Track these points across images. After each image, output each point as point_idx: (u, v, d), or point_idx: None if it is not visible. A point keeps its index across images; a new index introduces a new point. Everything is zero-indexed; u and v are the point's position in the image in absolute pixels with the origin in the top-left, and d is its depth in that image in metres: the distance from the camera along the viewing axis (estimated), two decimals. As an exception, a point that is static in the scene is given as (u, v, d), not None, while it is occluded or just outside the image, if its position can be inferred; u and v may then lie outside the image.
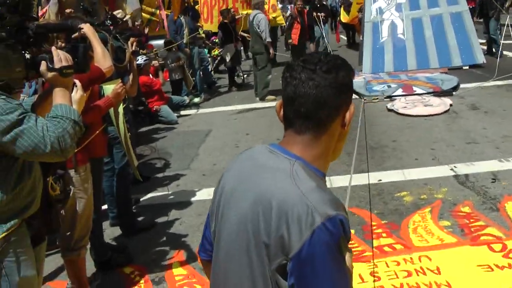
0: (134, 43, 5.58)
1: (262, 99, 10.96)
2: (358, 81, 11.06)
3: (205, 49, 13.18)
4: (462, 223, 4.56)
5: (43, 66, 2.26)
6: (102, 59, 3.39)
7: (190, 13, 11.57)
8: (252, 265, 1.44)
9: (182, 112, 10.38)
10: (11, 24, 2.23)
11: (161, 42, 11.81)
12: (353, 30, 18.48)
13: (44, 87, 3.02)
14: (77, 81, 2.69)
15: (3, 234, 2.27)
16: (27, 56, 2.28)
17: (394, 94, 9.77)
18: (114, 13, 6.74)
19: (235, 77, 12.94)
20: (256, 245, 1.42)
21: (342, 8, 18.81)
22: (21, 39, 2.26)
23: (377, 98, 9.66)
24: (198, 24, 12.79)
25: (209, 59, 13.52)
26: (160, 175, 6.73)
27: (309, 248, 1.32)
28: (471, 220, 4.58)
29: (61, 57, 2.29)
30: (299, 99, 1.46)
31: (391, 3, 12.86)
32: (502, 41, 12.79)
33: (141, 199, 5.87)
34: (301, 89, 1.46)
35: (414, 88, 10.00)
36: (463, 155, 6.36)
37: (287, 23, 12.96)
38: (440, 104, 8.71)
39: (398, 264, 3.99)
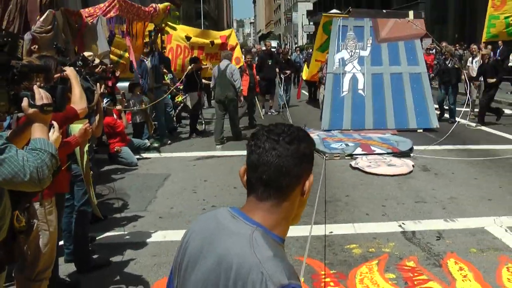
0: (103, 86, 5.76)
1: (238, 138, 11.98)
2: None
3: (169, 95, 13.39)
4: (406, 276, 4.81)
5: (25, 102, 2.42)
6: (79, 101, 3.57)
7: (157, 58, 11.80)
8: None
9: (142, 155, 10.48)
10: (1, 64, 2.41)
11: (125, 84, 11.96)
12: (315, 86, 19.00)
13: (19, 122, 3.16)
14: (54, 123, 2.85)
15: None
16: (11, 92, 2.45)
17: (355, 152, 10.01)
18: (85, 54, 6.91)
19: (197, 125, 13.17)
20: None
21: (305, 65, 19.40)
22: (6, 77, 2.43)
23: (339, 155, 9.91)
24: (164, 70, 13.01)
25: (172, 105, 13.71)
26: (117, 215, 6.80)
27: None
28: (415, 274, 4.83)
29: (42, 95, 2.46)
30: (262, 167, 1.55)
31: (354, 55, 13.34)
32: (457, 108, 13.47)
33: (97, 237, 5.93)
34: (264, 157, 1.55)
35: (373, 148, 10.27)
36: (411, 213, 6.67)
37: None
38: (403, 165, 9.04)
39: (343, 312, 4.18)
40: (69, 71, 3.49)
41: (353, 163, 9.28)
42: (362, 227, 6.19)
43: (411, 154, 9.98)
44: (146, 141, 11.11)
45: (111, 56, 10.21)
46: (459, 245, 5.59)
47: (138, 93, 11.26)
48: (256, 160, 1.57)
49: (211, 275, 1.52)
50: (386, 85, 13.11)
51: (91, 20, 9.00)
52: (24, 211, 3.07)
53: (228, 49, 14.10)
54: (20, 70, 2.50)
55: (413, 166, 9.03)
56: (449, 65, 14.30)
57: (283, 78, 16.95)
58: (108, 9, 9.53)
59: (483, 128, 13.17)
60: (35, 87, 2.50)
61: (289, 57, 20.12)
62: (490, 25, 13.46)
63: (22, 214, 3.03)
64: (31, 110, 2.43)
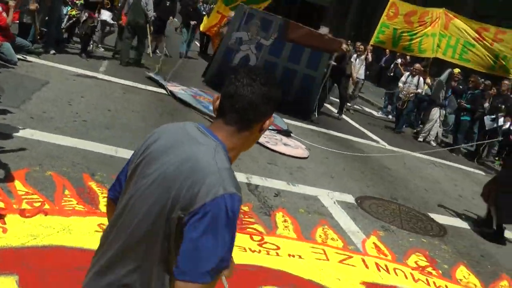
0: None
1: (137, 63, 13.21)
2: (181, 92, 10.99)
3: (66, 7, 13.17)
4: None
5: None
6: None
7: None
8: (163, 204, 1.80)
9: (25, 57, 10.36)
10: None
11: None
12: (208, 39, 18.91)
13: None
14: None
15: None
16: None
17: None
18: None
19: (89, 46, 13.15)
20: (173, 191, 1.78)
21: (205, 17, 19.32)
22: None
23: None
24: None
25: (66, 17, 13.46)
26: (-12, 105, 6.91)
27: (207, 207, 1.72)
28: (245, 217, 5.59)
29: None
30: (236, 97, 1.88)
31: (253, 40, 12.83)
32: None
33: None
34: (240, 90, 1.88)
35: None
36: (261, 171, 7.44)
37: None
38: (298, 147, 9.35)
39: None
40: None
41: None
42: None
43: (292, 134, 10.25)
44: (30, 43, 10.95)
45: None
46: (291, 204, 6.44)
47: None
48: (233, 91, 1.89)
49: (175, 170, 1.82)
50: (277, 73, 12.49)
51: None
52: None
53: None
54: None
55: (308, 149, 9.46)
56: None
57: (191, 25, 16.98)
58: None
59: (350, 121, 14.39)
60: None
61: (197, 7, 19.83)
62: (380, 31, 14.44)
63: None
64: None
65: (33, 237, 4.14)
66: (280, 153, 8.73)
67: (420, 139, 14.57)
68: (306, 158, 8.94)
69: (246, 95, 1.87)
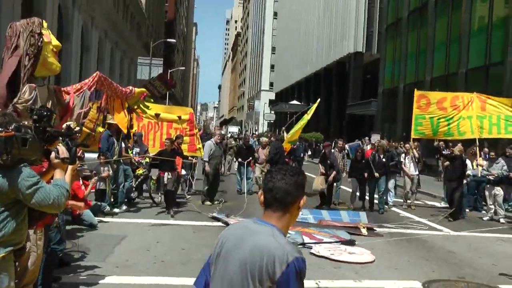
0: (80, 151, 6.99)
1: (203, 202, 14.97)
2: None
3: (129, 167, 14.43)
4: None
5: (52, 154, 3.79)
6: None
7: (122, 135, 13.09)
8: (253, 284, 2.40)
9: (102, 218, 11.53)
10: (42, 129, 3.79)
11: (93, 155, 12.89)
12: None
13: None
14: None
15: (3, 254, 3.57)
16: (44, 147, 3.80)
17: (305, 241, 10.10)
18: (69, 124, 7.93)
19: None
20: (252, 276, 2.40)
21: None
22: (43, 137, 3.80)
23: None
24: (129, 144, 14.20)
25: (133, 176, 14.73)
26: (79, 262, 7.88)
27: (286, 273, 2.35)
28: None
29: (64, 151, 3.83)
30: (275, 190, 2.51)
31: None
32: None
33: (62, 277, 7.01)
34: (277, 184, 2.51)
35: (318, 237, 10.54)
36: (328, 275, 8.00)
37: None
38: (363, 253, 9.50)
39: None
40: (70, 168, 4.61)
41: (314, 251, 9.52)
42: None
43: (356, 242, 10.42)
44: (106, 205, 12.20)
45: (84, 129, 11.26)
46: None
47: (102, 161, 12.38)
48: (272, 186, 2.54)
49: (247, 259, 2.43)
50: None
51: (78, 95, 9.74)
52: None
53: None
54: (52, 134, 3.89)
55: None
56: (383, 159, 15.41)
57: (245, 163, 17.59)
58: (91, 83, 10.32)
59: (413, 216, 14.69)
60: (60, 145, 3.87)
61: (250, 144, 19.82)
62: (417, 124, 14.95)
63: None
64: (56, 160, 3.79)
65: None
66: (346, 262, 8.86)
67: (485, 218, 14.79)
68: (373, 262, 9.10)
69: (282, 187, 2.51)
